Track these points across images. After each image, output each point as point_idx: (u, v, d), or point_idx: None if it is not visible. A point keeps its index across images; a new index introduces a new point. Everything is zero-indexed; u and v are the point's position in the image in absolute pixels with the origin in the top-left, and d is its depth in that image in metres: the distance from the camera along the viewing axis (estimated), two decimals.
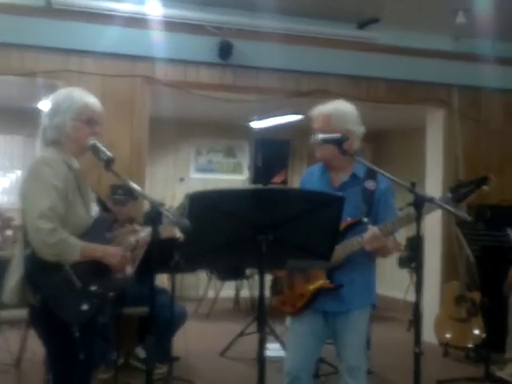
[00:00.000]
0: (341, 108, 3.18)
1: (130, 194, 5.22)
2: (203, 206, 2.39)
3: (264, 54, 6.14)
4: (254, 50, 6.13)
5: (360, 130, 3.18)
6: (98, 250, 2.73)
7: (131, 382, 4.79)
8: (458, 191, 2.92)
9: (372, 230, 2.94)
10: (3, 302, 2.75)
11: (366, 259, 3.11)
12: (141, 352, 5.25)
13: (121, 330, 4.92)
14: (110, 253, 2.76)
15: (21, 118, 8.86)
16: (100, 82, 5.62)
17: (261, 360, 2.40)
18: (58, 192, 2.62)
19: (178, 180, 9.64)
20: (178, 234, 3.26)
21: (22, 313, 4.45)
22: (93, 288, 2.67)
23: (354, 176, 3.17)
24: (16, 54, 5.49)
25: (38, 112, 8.02)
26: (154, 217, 2.48)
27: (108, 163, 2.68)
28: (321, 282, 3.11)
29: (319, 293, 3.12)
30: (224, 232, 2.44)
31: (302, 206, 2.46)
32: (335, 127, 3.07)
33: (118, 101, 5.67)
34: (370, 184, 3.11)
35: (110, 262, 2.76)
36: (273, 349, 5.43)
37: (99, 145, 2.75)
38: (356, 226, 3.03)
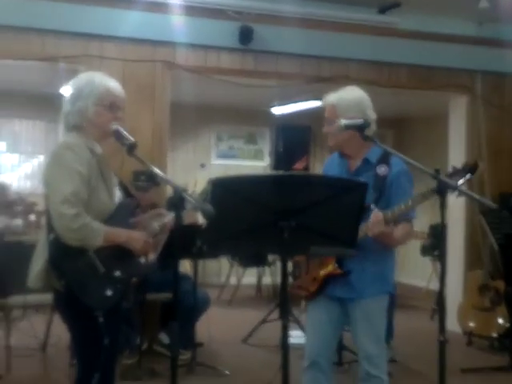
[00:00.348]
0: (346, 97, 3.11)
1: (153, 180, 5.22)
2: (225, 191, 2.39)
3: (284, 39, 6.11)
4: (274, 34, 6.10)
5: (371, 116, 3.11)
6: (122, 234, 2.72)
7: (155, 367, 4.81)
8: (453, 178, 2.83)
9: (374, 215, 2.87)
10: (28, 287, 2.76)
11: (380, 247, 3.05)
12: (164, 338, 5.29)
13: (144, 316, 4.95)
14: (133, 237, 2.75)
15: (42, 104, 8.91)
16: (121, 66, 5.62)
17: (284, 347, 2.39)
18: (81, 177, 2.61)
19: (199, 166, 9.64)
20: (201, 219, 3.25)
21: (47, 297, 4.52)
22: (116, 273, 2.67)
23: (366, 161, 3.12)
24: (37, 38, 5.50)
25: (59, 97, 8.04)
26: (177, 202, 2.47)
27: (131, 148, 2.68)
28: (330, 267, 3.09)
29: (329, 278, 3.11)
30: (246, 218, 2.43)
31: (325, 191, 2.45)
32: (340, 117, 3.03)
33: (139, 86, 5.66)
34: (381, 169, 3.06)
35: (134, 247, 2.75)
36: (295, 336, 5.43)
37: (122, 130, 2.74)
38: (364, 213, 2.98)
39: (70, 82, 2.87)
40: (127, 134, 2.72)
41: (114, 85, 2.83)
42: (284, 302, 2.53)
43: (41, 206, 6.53)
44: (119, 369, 3.65)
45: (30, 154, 10.22)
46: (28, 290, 4.53)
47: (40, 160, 10.12)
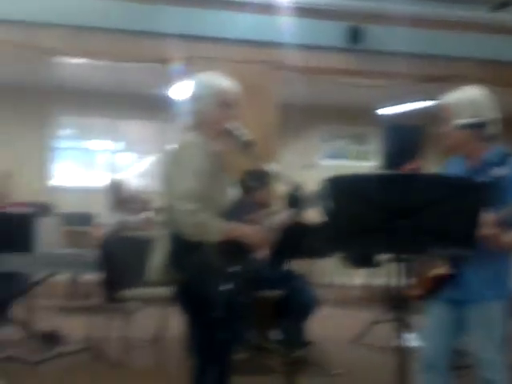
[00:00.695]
0: (462, 96, 3.04)
1: (263, 180, 5.30)
2: (341, 190, 2.41)
3: (394, 39, 6.06)
4: (383, 34, 6.07)
5: (490, 116, 3.04)
6: (238, 229, 2.80)
7: (266, 363, 4.88)
8: None
9: (486, 216, 2.73)
10: (147, 280, 2.87)
11: (495, 249, 2.97)
12: (276, 335, 5.35)
13: (256, 313, 5.02)
14: (249, 233, 2.82)
15: (152, 105, 9.22)
16: (229, 68, 5.67)
17: (401, 349, 2.38)
18: (199, 174, 2.71)
19: (306, 167, 9.66)
20: (314, 218, 3.28)
21: (162, 291, 4.70)
22: (233, 268, 2.75)
23: (484, 161, 3.06)
24: (149, 41, 5.71)
25: (168, 99, 8.34)
26: (295, 200, 2.52)
27: (246, 146, 2.75)
28: (443, 268, 3.04)
29: (442, 280, 3.06)
30: (361, 217, 2.44)
31: (444, 191, 2.42)
32: (456, 117, 2.97)
33: (247, 87, 5.67)
34: (498, 171, 2.98)
35: (250, 242, 2.82)
36: (408, 338, 5.37)
37: (236, 128, 2.82)
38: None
39: (189, 83, 2.97)
40: (243, 133, 2.80)
41: (230, 85, 2.92)
42: (400, 303, 2.51)
43: (155, 204, 6.76)
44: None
45: (142, 153, 10.59)
46: (145, 283, 4.75)
47: (152, 159, 10.48)
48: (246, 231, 2.82)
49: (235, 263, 2.77)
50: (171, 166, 2.82)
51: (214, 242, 2.68)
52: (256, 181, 5.18)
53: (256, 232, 2.83)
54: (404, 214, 2.37)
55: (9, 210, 5.32)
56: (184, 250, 2.69)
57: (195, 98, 2.89)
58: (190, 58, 5.72)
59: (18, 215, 4.93)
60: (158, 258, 2.80)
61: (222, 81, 2.92)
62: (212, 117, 2.86)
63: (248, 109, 5.63)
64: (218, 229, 2.69)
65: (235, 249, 2.78)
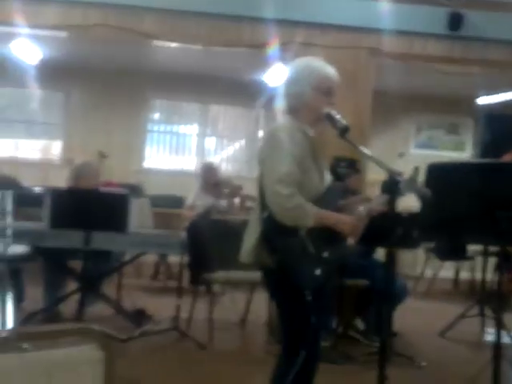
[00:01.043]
0: None
1: (353, 167, 5.24)
2: (441, 177, 2.34)
3: (496, 25, 5.82)
4: (485, 20, 5.85)
5: None
6: (332, 217, 2.75)
7: (350, 351, 4.83)
8: None
9: None
10: (240, 262, 2.87)
11: None
12: (360, 324, 5.30)
13: (341, 301, 4.98)
14: (343, 221, 2.77)
15: (245, 90, 9.28)
16: (325, 53, 5.65)
17: (493, 345, 2.30)
18: (295, 159, 2.68)
19: (397, 155, 9.50)
20: (408, 206, 3.20)
21: (248, 275, 4.75)
22: (325, 254, 2.71)
23: None
24: (247, 26, 5.71)
25: (262, 84, 8.33)
26: (392, 186, 2.45)
27: (343, 132, 2.71)
28: None
29: None
30: (460, 205, 2.37)
31: None
32: None
33: (343, 73, 5.60)
34: None
35: (343, 230, 2.78)
36: (501, 334, 5.21)
37: (334, 113, 2.78)
38: None
39: (285, 68, 2.94)
40: (340, 118, 2.75)
41: (331, 71, 2.88)
42: (492, 298, 2.42)
43: (246, 190, 6.81)
44: None
45: (232, 138, 10.68)
46: (232, 266, 4.79)
47: (241, 144, 10.56)
48: (340, 219, 2.77)
49: (327, 249, 2.72)
50: (267, 148, 2.80)
51: (308, 226, 2.65)
52: (347, 167, 5.13)
53: (349, 221, 2.78)
54: (503, 204, 2.27)
55: (102, 189, 5.45)
56: (278, 233, 2.67)
57: (295, 81, 2.86)
58: (286, 44, 5.68)
59: (114, 195, 5.05)
60: (250, 240, 2.79)
61: (323, 66, 2.88)
62: (311, 102, 2.82)
63: (344, 95, 5.64)
64: (312, 214, 2.66)
65: (327, 235, 2.74)
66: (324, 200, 2.80)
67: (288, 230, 2.64)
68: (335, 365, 4.58)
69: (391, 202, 2.50)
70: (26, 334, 1.70)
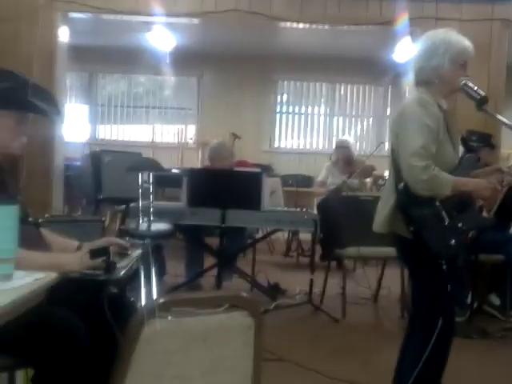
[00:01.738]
0: None
1: (485, 142, 5.15)
2: None
3: None
4: None
5: None
6: (470, 183, 2.77)
7: (485, 327, 4.78)
8: None
9: None
10: (371, 237, 2.95)
11: None
12: (495, 299, 5.22)
13: (476, 276, 4.92)
14: (481, 185, 2.78)
15: (371, 68, 9.24)
16: (457, 27, 5.48)
17: None
18: (430, 131, 2.71)
19: None
20: None
21: (379, 251, 4.81)
22: (459, 224, 2.73)
23: None
24: (374, 3, 5.70)
25: (390, 62, 8.22)
26: None
27: (481, 102, 2.72)
28: None
29: None
30: None
31: None
32: None
33: (475, 46, 5.51)
34: None
35: (482, 195, 2.79)
36: None
37: (472, 84, 2.78)
38: None
39: (422, 39, 2.95)
40: (478, 89, 2.76)
41: (468, 44, 2.88)
42: None
43: (378, 171, 6.82)
44: None
45: (358, 117, 10.67)
46: (364, 242, 4.85)
47: (369, 123, 10.52)
48: (478, 183, 2.78)
49: (461, 219, 2.75)
50: (401, 122, 2.83)
51: (444, 196, 2.68)
52: (475, 142, 5.04)
53: (488, 185, 2.78)
54: None
55: (236, 168, 5.65)
56: (413, 204, 2.72)
57: (431, 54, 2.85)
58: (416, 19, 5.63)
59: (249, 174, 5.22)
60: (384, 210, 2.86)
61: (461, 39, 2.88)
62: (447, 74, 2.83)
63: (476, 69, 5.50)
64: (450, 183, 2.69)
65: (461, 206, 2.77)
66: (457, 171, 2.83)
67: (423, 201, 2.69)
68: (471, 340, 4.56)
69: None
70: (181, 300, 1.86)
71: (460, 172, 2.82)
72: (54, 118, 2.34)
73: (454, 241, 2.70)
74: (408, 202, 2.73)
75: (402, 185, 2.74)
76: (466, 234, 2.86)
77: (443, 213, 2.70)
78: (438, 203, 2.70)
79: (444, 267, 2.70)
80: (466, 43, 2.87)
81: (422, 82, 2.89)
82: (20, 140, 2.30)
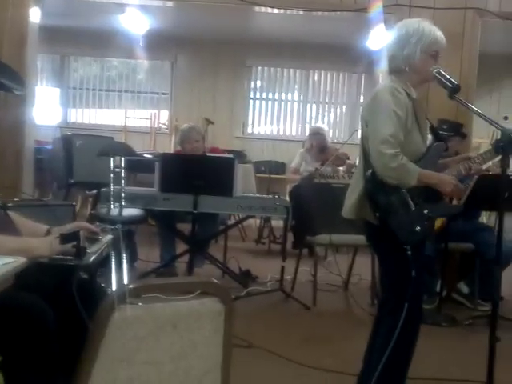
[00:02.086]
0: None
1: (455, 131, 5.19)
2: None
3: None
4: None
5: None
6: (434, 176, 2.81)
7: (454, 314, 4.85)
8: None
9: None
10: (342, 225, 2.98)
11: None
12: (463, 287, 5.29)
13: (444, 264, 4.98)
14: (444, 181, 2.82)
15: (345, 55, 9.26)
16: (430, 15, 5.57)
17: None
18: (399, 119, 2.73)
19: (502, 118, 9.24)
20: None
21: (350, 238, 4.84)
22: (425, 211, 2.78)
23: None
24: None
25: (363, 48, 8.21)
26: (505, 146, 2.47)
27: (453, 91, 2.74)
28: None
29: None
30: None
31: None
32: None
33: (448, 35, 5.49)
34: None
35: (444, 190, 2.83)
36: None
37: (444, 73, 2.80)
38: None
39: (395, 28, 2.96)
40: (450, 77, 2.77)
41: (440, 34, 2.90)
42: None
43: (351, 160, 6.84)
44: None
45: (332, 104, 10.68)
46: (334, 230, 4.87)
47: (342, 110, 10.54)
48: (442, 179, 2.82)
49: (427, 207, 2.79)
50: (371, 109, 2.85)
51: (409, 186, 2.72)
52: (445, 131, 5.08)
53: (450, 181, 2.82)
54: None
55: (209, 154, 5.62)
56: (380, 190, 2.76)
57: (403, 43, 2.86)
58: (390, 6, 5.63)
59: (221, 160, 5.20)
60: (353, 197, 2.90)
61: (433, 29, 2.89)
62: (419, 64, 2.85)
63: (448, 57, 5.51)
64: (415, 174, 2.72)
65: (427, 194, 2.80)
66: (424, 159, 2.86)
67: (390, 188, 2.74)
68: (440, 327, 4.62)
69: (499, 164, 2.51)
70: (152, 286, 1.85)
71: (427, 160, 2.86)
72: (17, 93, 2.30)
73: (419, 227, 2.74)
74: (375, 188, 2.77)
75: (369, 172, 2.77)
76: (432, 220, 2.92)
77: (409, 200, 2.74)
78: (404, 190, 2.74)
79: (409, 253, 2.73)
80: (439, 34, 2.89)
81: (393, 70, 2.91)
82: None
